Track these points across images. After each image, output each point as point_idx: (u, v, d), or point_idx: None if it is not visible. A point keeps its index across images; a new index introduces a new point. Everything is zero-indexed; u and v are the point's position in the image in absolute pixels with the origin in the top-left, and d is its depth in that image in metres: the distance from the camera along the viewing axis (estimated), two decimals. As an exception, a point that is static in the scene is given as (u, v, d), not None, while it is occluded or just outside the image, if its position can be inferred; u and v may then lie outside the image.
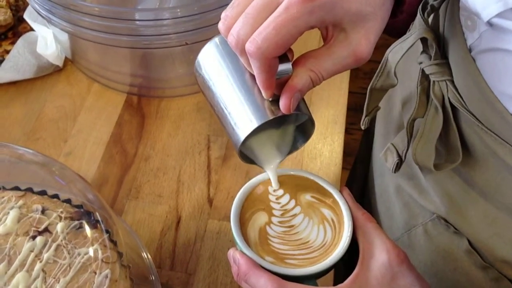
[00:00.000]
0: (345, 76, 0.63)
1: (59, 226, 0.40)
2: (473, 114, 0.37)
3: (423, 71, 0.41)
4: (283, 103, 0.34)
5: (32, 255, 0.38)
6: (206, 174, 0.54)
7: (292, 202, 0.40)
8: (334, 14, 0.31)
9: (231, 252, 0.38)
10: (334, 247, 0.38)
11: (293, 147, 0.41)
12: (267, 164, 0.40)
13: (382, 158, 0.46)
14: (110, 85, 0.61)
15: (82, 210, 0.41)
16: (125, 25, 0.50)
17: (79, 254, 0.39)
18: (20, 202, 0.41)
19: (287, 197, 0.41)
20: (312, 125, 0.38)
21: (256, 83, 0.34)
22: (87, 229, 0.40)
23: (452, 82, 0.39)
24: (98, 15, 0.49)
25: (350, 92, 0.62)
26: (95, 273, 0.38)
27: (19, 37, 0.62)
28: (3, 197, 0.41)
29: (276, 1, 0.31)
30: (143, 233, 0.50)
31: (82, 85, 0.62)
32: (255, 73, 0.33)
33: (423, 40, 0.40)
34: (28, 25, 0.63)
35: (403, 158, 0.44)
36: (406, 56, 0.41)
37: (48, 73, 0.62)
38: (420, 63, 0.41)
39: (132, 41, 0.51)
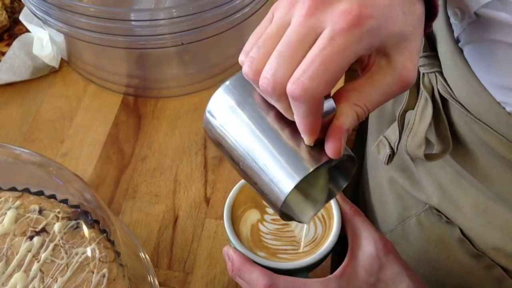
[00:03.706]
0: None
1: (57, 226, 0.40)
2: (462, 105, 0.38)
3: None
4: (332, 147, 0.29)
5: (29, 255, 0.38)
6: (203, 174, 0.55)
7: None
8: (380, 38, 0.28)
9: (225, 249, 0.39)
10: (325, 241, 0.39)
11: (334, 189, 0.36)
12: (307, 216, 0.36)
13: (375, 151, 0.47)
14: (106, 85, 0.61)
15: (79, 210, 0.41)
16: (120, 25, 0.50)
17: (76, 254, 0.39)
18: (17, 202, 0.41)
19: None
20: (353, 163, 0.33)
21: (289, 129, 0.30)
22: (85, 229, 0.40)
23: (441, 73, 0.39)
24: (94, 15, 0.49)
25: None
26: (93, 272, 0.38)
27: (14, 39, 0.62)
28: (0, 198, 0.42)
29: (314, 33, 0.27)
30: (141, 232, 0.50)
31: (78, 86, 0.62)
32: (300, 117, 0.28)
33: None
34: (24, 26, 0.63)
35: (395, 150, 0.45)
36: None
37: (44, 74, 0.62)
38: None
39: (128, 41, 0.51)
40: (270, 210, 0.41)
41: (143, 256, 0.46)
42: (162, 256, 0.49)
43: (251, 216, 0.41)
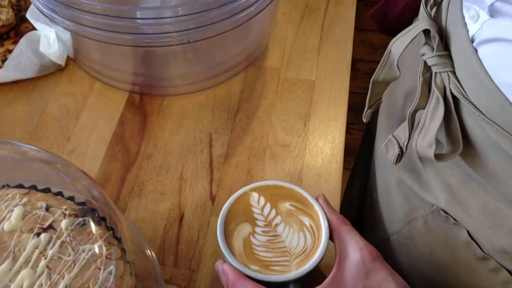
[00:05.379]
0: (346, 74, 0.63)
1: (63, 223, 0.40)
2: (474, 105, 0.38)
3: (425, 62, 0.41)
4: None
5: (36, 252, 0.38)
6: (208, 172, 0.55)
7: (273, 212, 0.43)
8: None
9: (219, 265, 0.41)
10: (315, 252, 0.41)
11: None
12: None
13: (383, 150, 0.47)
14: (112, 83, 0.61)
15: (86, 207, 0.41)
16: (126, 23, 0.50)
17: (83, 251, 0.39)
18: (24, 199, 0.41)
19: (268, 207, 0.43)
20: None
21: None
22: (92, 226, 0.40)
23: (454, 73, 0.39)
24: (100, 13, 0.49)
25: (349, 92, 0.62)
26: (100, 269, 0.38)
27: (21, 36, 0.62)
28: (7, 195, 0.42)
29: None
30: (146, 230, 0.50)
31: (84, 84, 0.62)
32: None
33: (426, 32, 0.41)
34: (30, 24, 0.63)
35: (404, 149, 0.45)
36: (408, 48, 0.41)
37: (50, 72, 0.62)
38: (423, 54, 0.41)
39: (134, 39, 0.51)
40: (260, 223, 0.43)
41: (149, 253, 0.46)
42: (168, 253, 0.49)
43: (244, 229, 0.42)
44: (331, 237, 0.42)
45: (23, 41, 0.61)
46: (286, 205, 0.44)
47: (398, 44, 0.42)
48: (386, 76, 0.44)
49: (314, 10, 0.70)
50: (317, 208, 0.43)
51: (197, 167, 0.55)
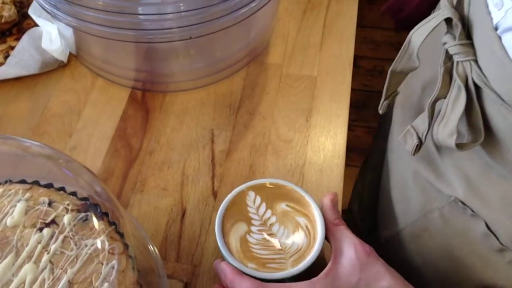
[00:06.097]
0: (348, 70, 0.63)
1: (66, 218, 0.40)
2: (497, 93, 0.37)
3: (446, 51, 0.41)
4: None
5: (39, 246, 0.39)
6: (210, 168, 0.55)
7: (269, 212, 0.44)
8: None
9: (217, 263, 0.42)
10: (310, 251, 0.42)
11: None
12: None
13: (401, 141, 0.46)
14: (114, 80, 0.61)
15: (88, 202, 0.42)
16: (128, 19, 0.50)
17: (86, 246, 0.39)
18: (27, 194, 0.42)
19: (263, 207, 0.44)
20: None
21: None
22: (94, 221, 0.40)
23: (476, 62, 0.39)
24: (102, 9, 0.49)
25: (352, 89, 0.62)
26: (102, 264, 0.38)
27: (23, 33, 0.62)
28: (10, 190, 0.42)
29: None
30: (149, 225, 0.50)
31: (86, 80, 0.62)
32: None
33: (448, 21, 0.41)
34: (33, 21, 0.63)
35: (423, 140, 0.44)
36: (428, 38, 0.41)
37: (52, 69, 0.62)
38: (444, 43, 0.41)
39: (136, 35, 0.51)
40: (256, 222, 0.43)
41: (152, 248, 0.46)
42: (170, 249, 0.49)
43: (240, 228, 0.43)
44: (327, 237, 0.43)
45: (25, 37, 0.62)
46: (282, 205, 0.44)
47: (419, 34, 0.42)
48: (405, 67, 0.44)
49: (316, 6, 0.70)
50: (313, 207, 0.44)
51: (199, 163, 0.55)
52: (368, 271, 0.39)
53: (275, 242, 0.42)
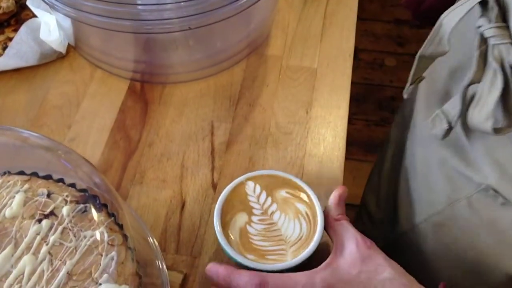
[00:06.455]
0: (348, 61, 0.63)
1: (65, 210, 0.40)
2: None
3: (481, 35, 0.40)
4: None
5: (38, 238, 0.38)
6: (210, 160, 0.55)
7: (269, 200, 0.44)
8: None
9: (208, 268, 0.41)
10: (311, 240, 0.41)
11: None
12: None
13: (430, 126, 0.46)
14: (113, 71, 0.61)
15: (87, 194, 0.41)
16: (127, 9, 0.49)
17: (85, 237, 0.39)
18: (26, 186, 0.41)
19: (264, 195, 0.44)
20: None
21: None
22: (93, 212, 0.40)
23: None
24: (101, -1, 0.48)
25: (352, 82, 0.62)
26: (101, 255, 0.38)
27: (21, 24, 0.62)
28: (8, 182, 0.42)
29: None
30: (148, 217, 0.50)
31: (85, 71, 0.62)
32: None
33: (482, 4, 0.40)
34: (31, 12, 0.63)
35: (453, 124, 0.44)
36: (459, 22, 0.40)
37: (51, 60, 0.62)
38: (479, 27, 0.40)
39: (135, 26, 0.51)
40: (257, 211, 0.43)
41: (151, 240, 0.46)
42: (170, 240, 0.49)
43: (240, 219, 0.43)
44: (328, 232, 0.42)
45: (23, 28, 0.61)
46: (282, 193, 0.44)
47: (451, 17, 0.41)
48: (434, 51, 0.44)
49: (316, -3, 0.70)
50: (312, 197, 0.44)
51: (199, 155, 0.55)
52: (369, 264, 0.39)
53: (276, 231, 0.42)
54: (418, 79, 0.47)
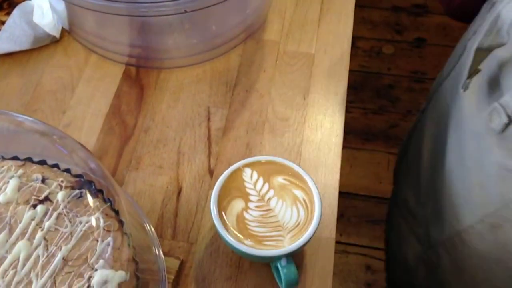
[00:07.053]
0: (346, 48, 0.62)
1: (60, 195, 0.40)
2: None
3: None
4: None
5: (33, 223, 0.38)
6: (206, 146, 0.54)
7: (266, 186, 0.43)
8: None
9: None
10: (308, 226, 0.41)
11: None
12: None
13: (487, 119, 0.44)
14: (108, 56, 0.60)
15: (82, 179, 0.41)
16: (122, -8, 0.49)
17: (80, 223, 0.38)
18: (20, 171, 0.41)
19: (261, 181, 0.44)
20: None
21: None
22: (88, 198, 0.40)
23: None
24: (95, -19, 0.47)
25: (349, 70, 0.61)
26: (97, 241, 0.38)
27: (14, 7, 0.61)
28: (2, 167, 0.41)
29: None
30: (144, 203, 0.50)
31: (79, 56, 0.61)
32: None
33: None
34: (24, -6, 0.62)
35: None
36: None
37: (45, 44, 0.61)
38: None
39: (129, 8, 0.50)
40: (253, 198, 0.43)
41: (148, 226, 0.46)
42: (166, 226, 0.49)
43: (237, 205, 0.43)
44: None
45: (16, 12, 0.60)
46: (279, 179, 0.44)
47: (510, 8, 0.40)
48: (492, 43, 0.42)
49: (314, -18, 0.69)
50: (310, 183, 0.43)
51: (195, 141, 0.54)
52: None
53: (273, 217, 0.42)
54: (474, 72, 0.45)
